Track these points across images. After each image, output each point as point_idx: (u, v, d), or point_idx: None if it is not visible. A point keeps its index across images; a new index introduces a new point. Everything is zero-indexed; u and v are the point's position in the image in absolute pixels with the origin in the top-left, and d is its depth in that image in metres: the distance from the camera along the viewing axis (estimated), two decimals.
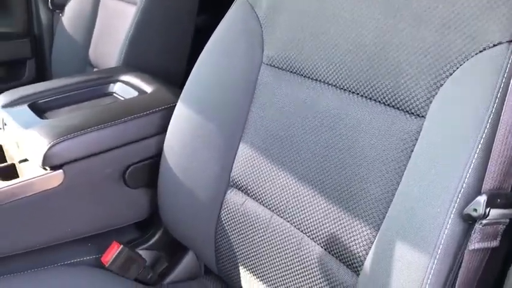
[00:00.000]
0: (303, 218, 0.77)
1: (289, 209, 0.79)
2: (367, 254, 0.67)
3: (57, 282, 0.90)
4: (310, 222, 0.76)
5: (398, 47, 0.68)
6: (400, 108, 0.67)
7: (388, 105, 0.69)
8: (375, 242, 0.65)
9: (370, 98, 0.71)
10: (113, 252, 0.96)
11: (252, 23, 0.88)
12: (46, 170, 0.90)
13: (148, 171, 1.01)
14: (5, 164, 0.96)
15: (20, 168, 0.94)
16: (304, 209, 0.77)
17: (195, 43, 1.41)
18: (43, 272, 0.92)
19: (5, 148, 1.01)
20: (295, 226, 0.78)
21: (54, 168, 0.90)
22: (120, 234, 1.03)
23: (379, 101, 0.70)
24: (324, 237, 0.73)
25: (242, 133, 0.89)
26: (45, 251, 0.93)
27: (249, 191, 0.87)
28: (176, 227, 1.01)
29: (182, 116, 0.95)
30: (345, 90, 0.75)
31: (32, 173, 0.90)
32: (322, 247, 0.74)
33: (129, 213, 1.03)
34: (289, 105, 0.82)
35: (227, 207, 0.90)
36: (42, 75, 1.85)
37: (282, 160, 0.81)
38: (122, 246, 0.97)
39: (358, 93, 0.73)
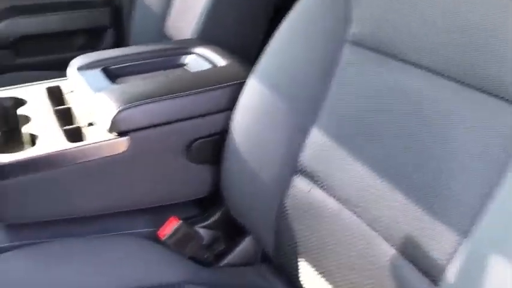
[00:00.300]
0: (377, 214, 0.69)
1: (361, 203, 0.72)
2: (449, 263, 0.58)
3: (110, 251, 0.88)
4: (385, 221, 0.68)
5: (509, 29, 0.59)
6: (505, 99, 0.58)
7: (490, 94, 0.59)
8: (460, 251, 0.57)
9: (468, 85, 0.62)
10: (171, 226, 0.93)
11: None
12: (112, 135, 0.88)
13: (213, 147, 0.97)
14: (72, 126, 0.95)
15: (86, 131, 0.92)
16: (378, 205, 0.69)
17: (273, 18, 1.35)
18: (97, 240, 0.91)
19: (73, 111, 1.01)
20: (366, 223, 0.71)
21: (120, 134, 0.88)
22: (178, 209, 1.00)
23: (479, 89, 0.61)
24: (399, 239, 0.65)
25: (316, 115, 0.82)
26: (101, 218, 0.92)
27: (317, 179, 0.80)
28: (237, 208, 0.96)
29: (252, 93, 0.90)
30: (438, 74, 0.66)
31: (98, 137, 0.88)
32: (395, 249, 0.66)
33: (190, 189, 0.99)
34: (374, 88, 0.74)
35: (292, 193, 0.84)
36: (119, 45, 1.86)
37: (358, 148, 0.73)
38: (180, 221, 0.94)
39: (454, 79, 0.64)
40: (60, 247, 0.87)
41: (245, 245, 1.01)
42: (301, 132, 0.82)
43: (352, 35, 0.79)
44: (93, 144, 0.86)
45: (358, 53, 0.77)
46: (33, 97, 1.04)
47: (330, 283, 0.76)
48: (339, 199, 0.76)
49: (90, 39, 1.87)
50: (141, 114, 0.87)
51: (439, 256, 0.60)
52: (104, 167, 0.87)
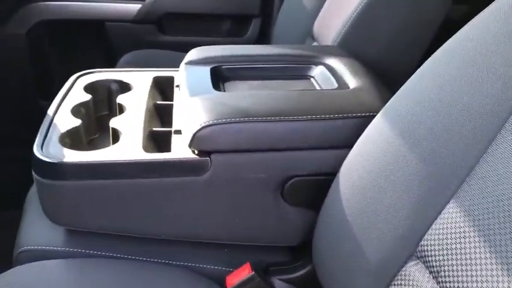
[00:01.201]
0: None
1: None
2: None
3: (161, 283, 0.73)
4: None
5: None
6: None
7: None
8: None
9: None
10: (241, 276, 0.75)
11: None
12: (194, 152, 0.72)
13: (316, 189, 0.76)
14: (161, 129, 0.82)
15: (173, 139, 0.78)
16: None
17: (438, 37, 1.07)
18: (153, 265, 0.76)
19: (174, 110, 0.88)
20: None
21: (201, 153, 0.71)
22: (260, 252, 0.82)
23: None
24: None
25: (459, 185, 0.57)
26: (165, 243, 0.77)
27: (441, 273, 0.56)
28: (325, 270, 0.75)
29: (379, 134, 0.67)
30: None
31: (178, 150, 0.73)
32: None
33: (278, 233, 0.80)
34: None
35: (402, 283, 0.60)
36: (264, 35, 1.73)
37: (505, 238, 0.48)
38: (253, 273, 0.75)
39: None
40: (111, 265, 0.74)
41: None
42: (434, 205, 0.58)
43: None
44: (168, 159, 0.71)
45: None
46: (140, 85, 0.93)
47: None
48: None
49: (237, 26, 1.78)
50: (230, 135, 0.70)
51: None
52: (177, 187, 0.72)
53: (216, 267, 0.81)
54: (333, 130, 0.75)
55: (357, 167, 0.70)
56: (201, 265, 0.80)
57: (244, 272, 0.76)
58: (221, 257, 0.81)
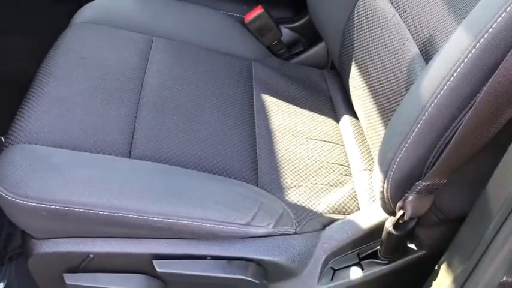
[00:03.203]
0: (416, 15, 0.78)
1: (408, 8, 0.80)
2: None
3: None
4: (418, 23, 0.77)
5: None
6: None
7: None
8: None
9: None
10: (254, 13, 1.07)
11: None
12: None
13: None
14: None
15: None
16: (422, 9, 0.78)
17: None
18: None
19: None
20: (407, 25, 0.80)
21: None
22: (270, 6, 1.12)
23: None
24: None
25: None
26: None
27: None
28: (316, 14, 1.05)
29: None
30: None
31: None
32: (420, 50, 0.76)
33: None
34: None
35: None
36: None
37: None
38: (263, 10, 1.07)
39: None
40: None
41: (318, 51, 1.12)
42: None
43: None
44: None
45: None
46: None
47: (365, 81, 0.88)
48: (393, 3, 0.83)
49: None
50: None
51: None
52: None
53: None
54: None
55: None
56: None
57: (256, 11, 1.08)
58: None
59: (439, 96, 0.62)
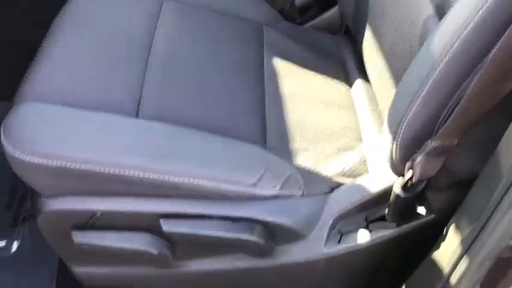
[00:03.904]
0: None
1: None
2: None
3: None
4: None
5: None
6: None
7: None
8: None
9: None
10: None
11: None
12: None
13: None
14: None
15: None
16: None
17: None
18: None
19: None
20: None
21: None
22: None
23: None
24: None
25: None
26: None
27: None
28: None
29: None
30: None
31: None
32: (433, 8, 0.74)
33: None
34: None
35: None
36: None
37: None
38: None
39: None
40: None
41: (331, 15, 1.09)
42: None
43: None
44: None
45: None
46: None
47: (379, 43, 0.87)
48: None
49: None
50: None
51: None
52: None
53: None
54: None
55: None
56: None
57: None
58: None
59: (449, 53, 0.61)
